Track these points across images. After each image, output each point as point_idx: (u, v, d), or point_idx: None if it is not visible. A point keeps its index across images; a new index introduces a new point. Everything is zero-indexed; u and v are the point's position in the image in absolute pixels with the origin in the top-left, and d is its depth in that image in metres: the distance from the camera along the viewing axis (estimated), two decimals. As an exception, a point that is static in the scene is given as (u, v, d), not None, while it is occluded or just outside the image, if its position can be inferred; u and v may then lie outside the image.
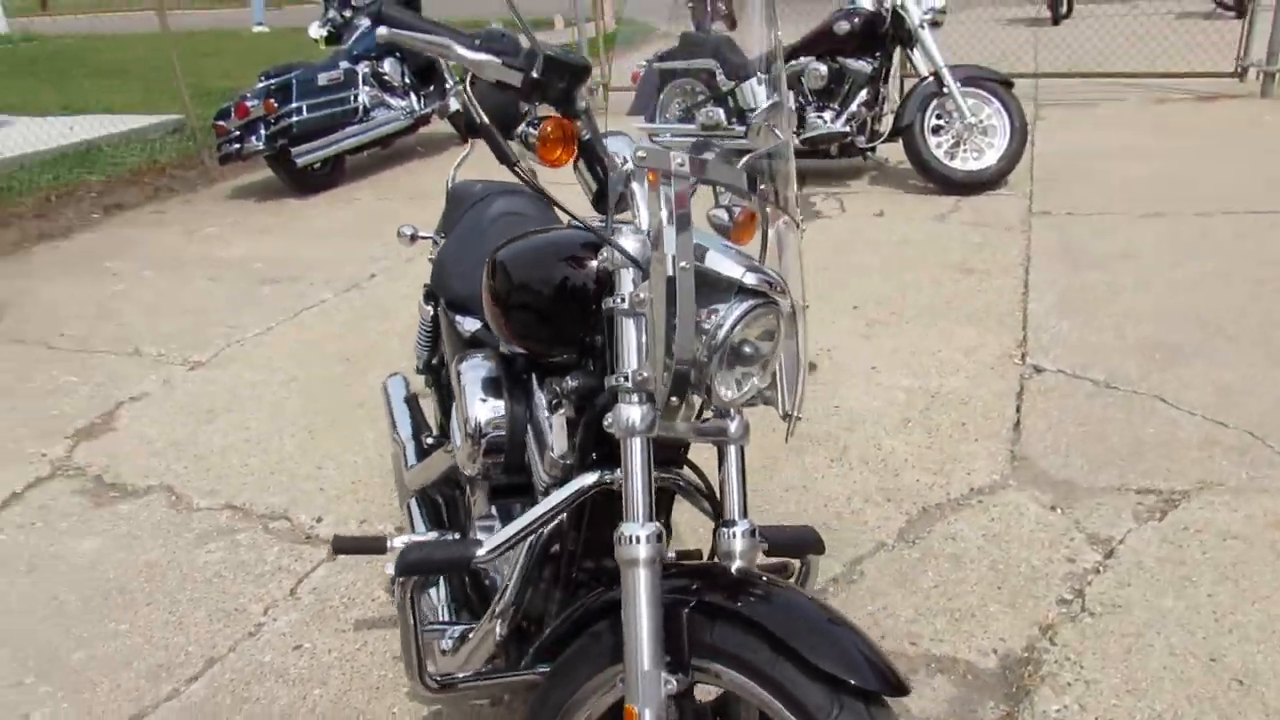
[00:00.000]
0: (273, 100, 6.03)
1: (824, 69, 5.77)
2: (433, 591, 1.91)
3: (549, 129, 1.36)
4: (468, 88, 1.36)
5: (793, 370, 1.50)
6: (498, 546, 1.45)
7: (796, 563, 1.73)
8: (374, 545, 1.98)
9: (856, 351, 3.59)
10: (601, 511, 1.50)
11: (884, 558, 2.45)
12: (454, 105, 7.68)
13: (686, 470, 1.59)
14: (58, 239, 5.81)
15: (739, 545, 1.43)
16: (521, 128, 1.38)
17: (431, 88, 7.45)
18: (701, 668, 1.30)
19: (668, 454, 1.53)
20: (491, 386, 1.70)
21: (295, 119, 6.14)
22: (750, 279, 1.34)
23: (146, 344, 4.10)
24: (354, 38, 7.10)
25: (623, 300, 1.35)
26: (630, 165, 1.43)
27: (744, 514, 1.47)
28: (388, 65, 7.12)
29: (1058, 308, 3.81)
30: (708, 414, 1.50)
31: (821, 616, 1.30)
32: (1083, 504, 2.60)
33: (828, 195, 5.65)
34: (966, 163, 5.45)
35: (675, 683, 1.27)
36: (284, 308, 4.40)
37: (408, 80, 7.26)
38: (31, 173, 6.74)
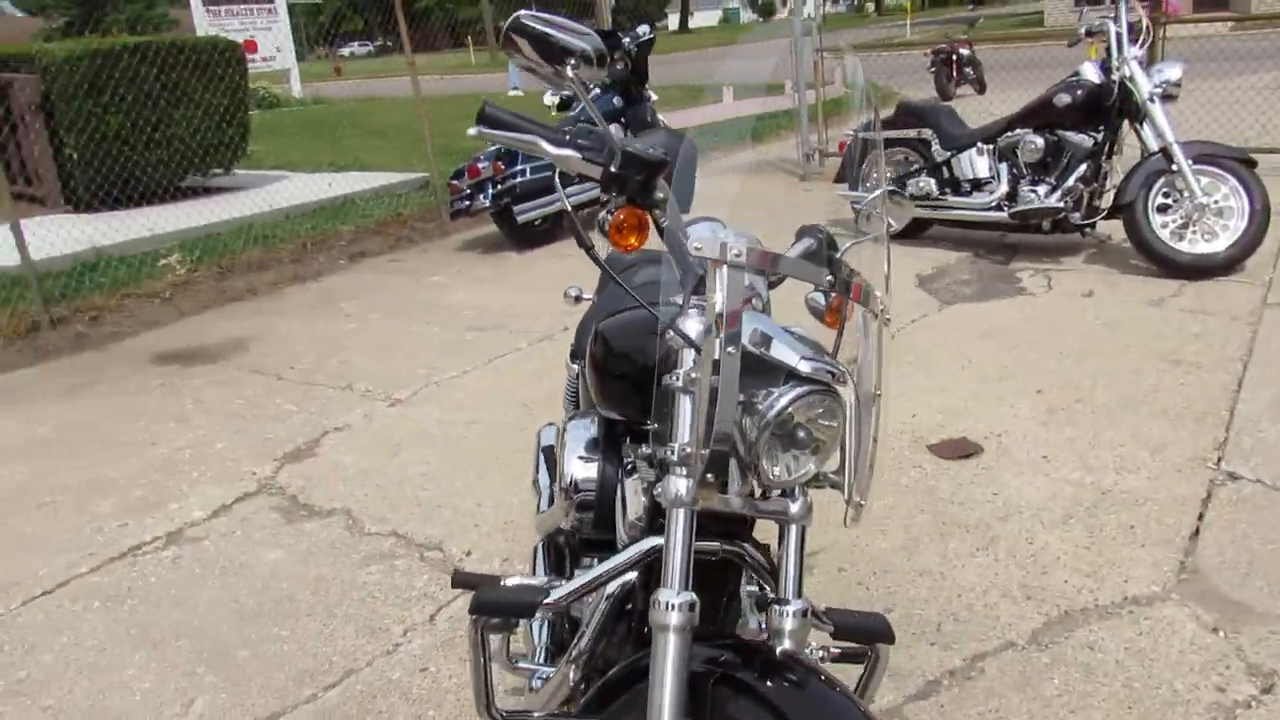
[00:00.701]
0: (500, 162, 6.54)
1: (1040, 141, 5.58)
2: (536, 632, 2.03)
3: (621, 217, 1.46)
4: (558, 180, 1.51)
5: (860, 457, 1.52)
6: (562, 597, 1.54)
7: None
8: (487, 584, 2.12)
9: (1030, 438, 3.42)
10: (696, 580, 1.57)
11: (1009, 657, 2.33)
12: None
13: (751, 547, 1.61)
14: (308, 281, 6.54)
15: (788, 625, 1.44)
16: (602, 214, 1.49)
17: (651, 152, 7.78)
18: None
19: (732, 527, 1.57)
20: (590, 446, 1.82)
21: (519, 180, 6.62)
22: (805, 367, 1.37)
23: (360, 380, 4.53)
24: (582, 106, 7.56)
25: (678, 378, 1.43)
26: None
27: (798, 594, 1.48)
28: (614, 130, 7.51)
29: (1271, 410, 3.47)
30: (776, 492, 1.53)
31: (851, 713, 1.30)
32: (1251, 630, 2.36)
33: (1036, 271, 5.42)
34: (1195, 245, 5.07)
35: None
36: (483, 353, 4.74)
37: (629, 145, 7.63)
38: (295, 222, 7.63)
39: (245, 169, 9.22)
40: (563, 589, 1.57)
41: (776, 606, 1.47)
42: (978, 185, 5.93)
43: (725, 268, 1.39)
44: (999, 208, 5.75)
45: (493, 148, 6.69)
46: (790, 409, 1.37)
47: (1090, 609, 2.49)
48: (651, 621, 1.35)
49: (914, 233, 6.30)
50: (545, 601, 1.55)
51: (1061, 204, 5.45)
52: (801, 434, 1.41)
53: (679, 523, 1.39)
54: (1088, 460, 3.24)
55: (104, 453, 3.93)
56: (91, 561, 3.08)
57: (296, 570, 2.94)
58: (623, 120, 7.68)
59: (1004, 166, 5.83)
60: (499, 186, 6.58)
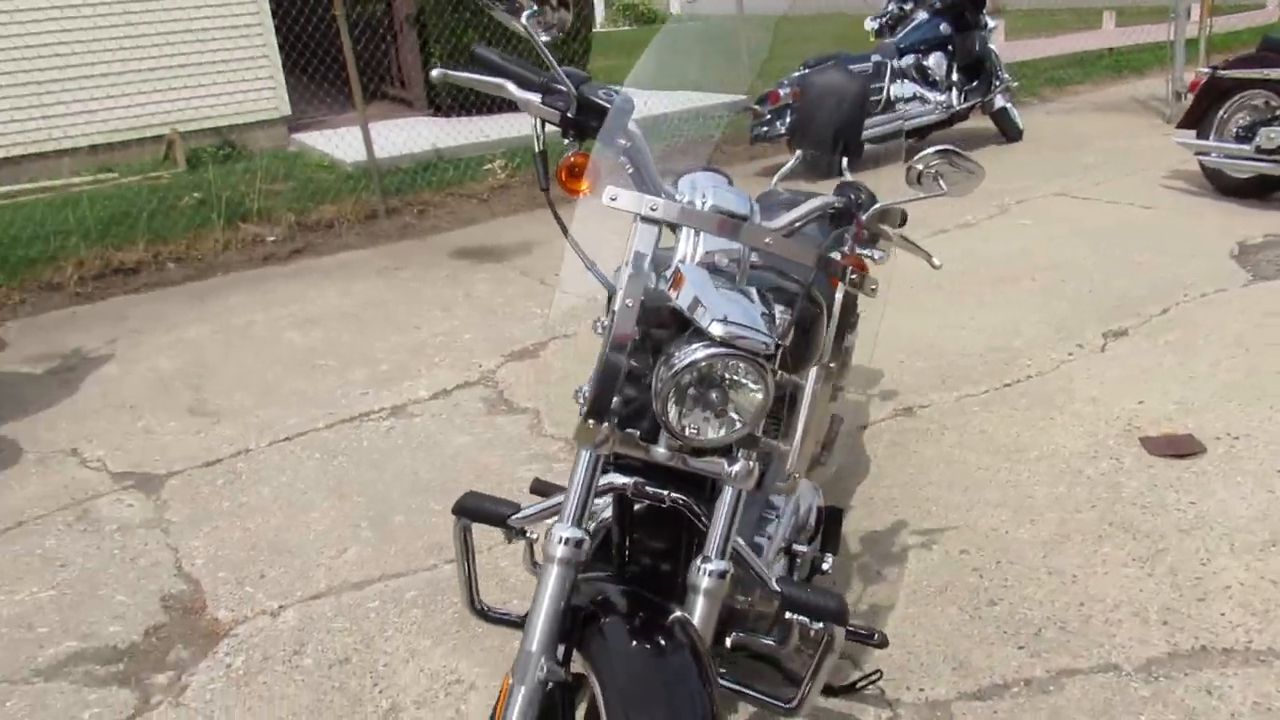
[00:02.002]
0: (798, 89, 6.43)
1: None
2: None
3: (572, 160, 1.49)
4: (537, 123, 1.57)
5: (798, 430, 1.47)
6: (523, 517, 1.66)
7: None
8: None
9: (1273, 448, 2.92)
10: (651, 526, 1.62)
11: (1101, 681, 2.09)
12: (999, 102, 7.41)
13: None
14: (607, 193, 6.92)
15: (704, 583, 1.46)
16: (564, 159, 1.53)
17: (975, 83, 7.27)
18: (580, 670, 1.39)
19: (674, 478, 1.55)
20: None
21: (816, 107, 6.47)
22: (718, 330, 1.35)
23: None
24: (905, 31, 7.19)
25: (598, 321, 1.46)
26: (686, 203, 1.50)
27: (720, 555, 1.48)
28: (932, 60, 7.10)
29: None
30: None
31: (686, 691, 1.30)
32: None
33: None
34: None
35: (547, 670, 1.37)
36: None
37: (953, 76, 7.17)
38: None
39: (585, 83, 9.81)
40: (527, 510, 1.68)
41: (698, 563, 1.48)
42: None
43: (639, 221, 1.39)
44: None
45: (796, 74, 6.59)
46: (692, 367, 1.36)
47: (1234, 651, 2.15)
48: (542, 551, 1.43)
49: (1259, 192, 5.39)
50: (511, 516, 1.67)
51: None
52: (715, 395, 1.39)
53: (581, 462, 1.44)
54: (1335, 485, 2.72)
55: (379, 329, 4.54)
56: (328, 419, 3.63)
57: (473, 456, 3.28)
58: (949, 48, 7.21)
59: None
60: (794, 115, 6.49)
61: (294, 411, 3.71)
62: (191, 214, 6.19)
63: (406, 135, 7.35)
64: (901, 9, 7.33)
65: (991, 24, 7.35)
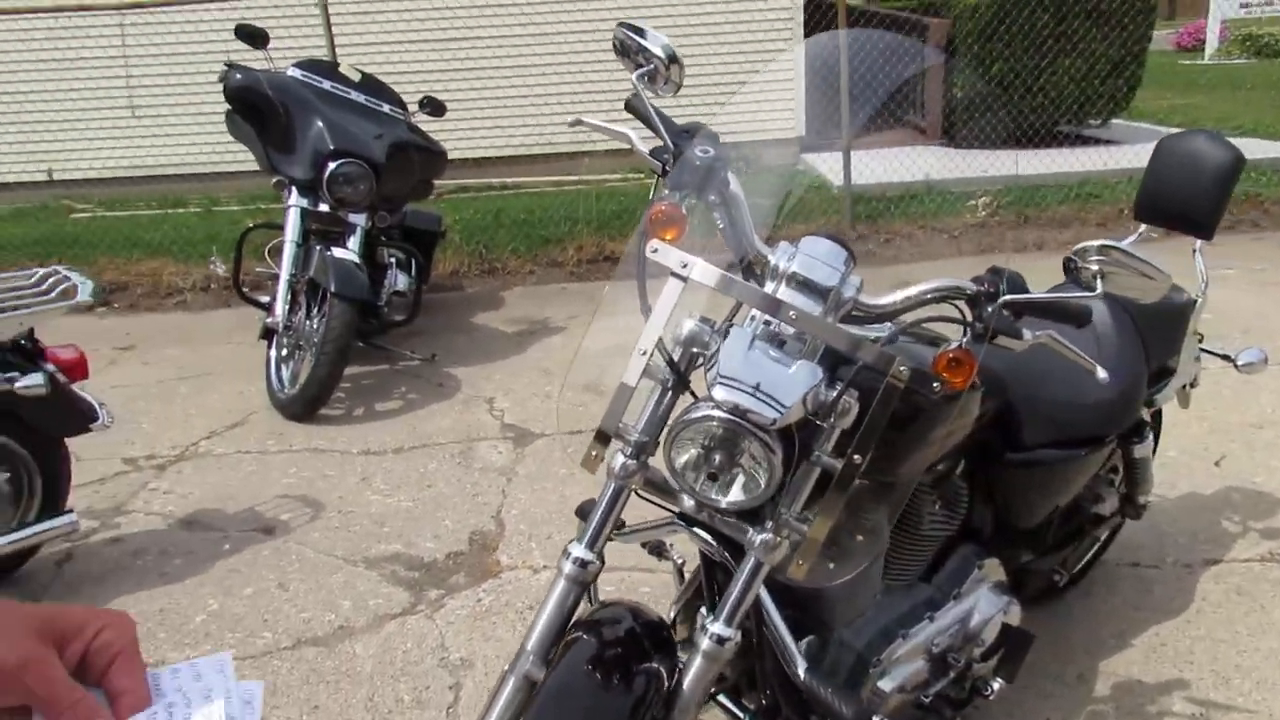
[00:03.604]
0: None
1: None
2: None
3: (661, 210, 1.55)
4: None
5: (819, 524, 1.41)
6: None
7: None
8: None
9: None
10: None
11: None
12: None
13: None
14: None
15: (703, 643, 1.48)
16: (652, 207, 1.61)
17: None
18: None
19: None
20: None
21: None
22: (720, 393, 1.36)
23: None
24: None
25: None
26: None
27: (728, 621, 1.48)
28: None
29: None
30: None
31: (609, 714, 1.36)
32: None
33: None
34: None
35: (531, 671, 1.49)
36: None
37: None
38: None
39: (1125, 120, 8.89)
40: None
41: (705, 620, 1.50)
42: None
43: (670, 279, 1.43)
44: None
45: None
46: (688, 424, 1.38)
47: None
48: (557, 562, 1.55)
49: None
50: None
51: None
52: (718, 458, 1.40)
53: (606, 491, 1.53)
54: None
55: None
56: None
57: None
58: None
59: None
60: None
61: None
62: (683, 216, 6.92)
63: (904, 163, 7.39)
64: None
65: None
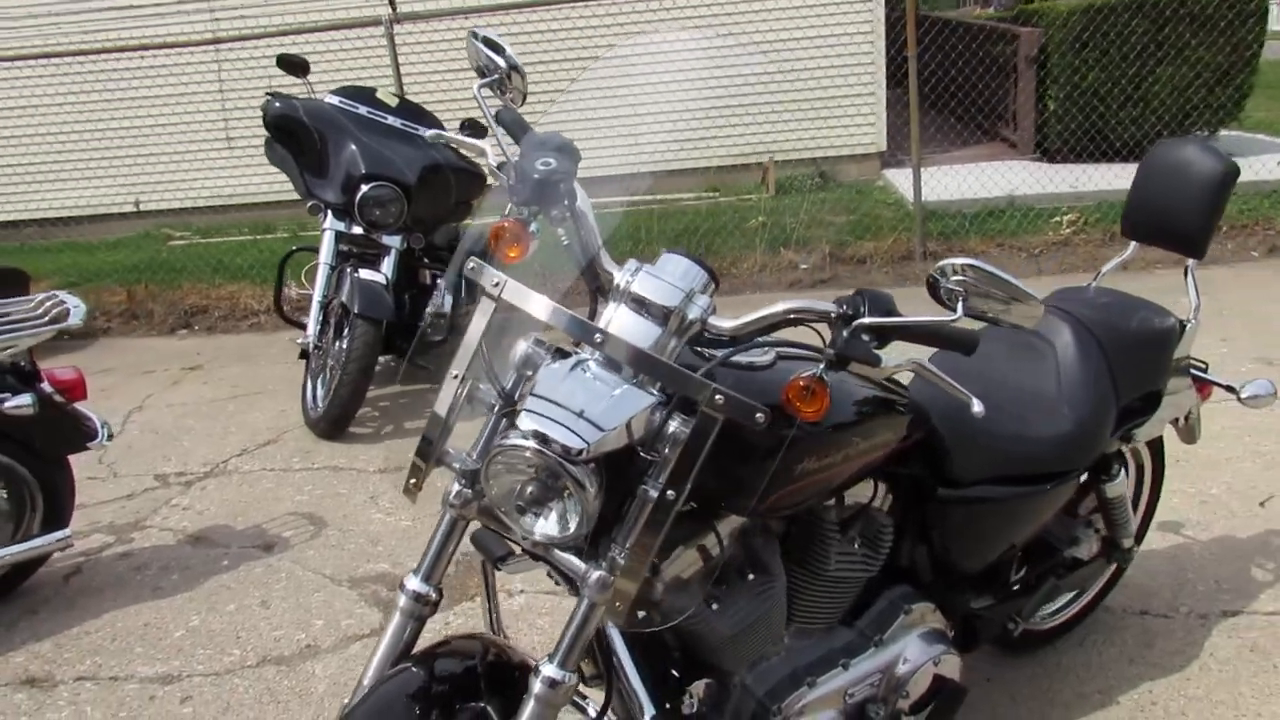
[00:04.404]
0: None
1: None
2: None
3: (503, 227, 1.48)
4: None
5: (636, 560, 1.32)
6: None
7: None
8: None
9: None
10: None
11: None
12: None
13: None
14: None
15: (535, 686, 1.40)
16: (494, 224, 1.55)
17: None
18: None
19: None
20: None
21: None
22: (526, 422, 1.29)
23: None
24: None
25: None
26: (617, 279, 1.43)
27: (561, 664, 1.40)
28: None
29: None
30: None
31: None
32: None
33: None
34: None
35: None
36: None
37: None
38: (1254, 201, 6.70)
39: (1236, 131, 8.28)
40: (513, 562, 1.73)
41: (542, 663, 1.42)
42: None
43: (483, 297, 1.37)
44: None
45: None
46: (500, 453, 1.32)
47: None
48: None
49: None
50: (498, 555, 1.74)
51: None
52: (531, 490, 1.33)
53: (442, 521, 1.48)
54: None
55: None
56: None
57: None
58: None
59: None
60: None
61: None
62: (751, 235, 6.79)
63: (991, 178, 7.07)
64: None
65: None
